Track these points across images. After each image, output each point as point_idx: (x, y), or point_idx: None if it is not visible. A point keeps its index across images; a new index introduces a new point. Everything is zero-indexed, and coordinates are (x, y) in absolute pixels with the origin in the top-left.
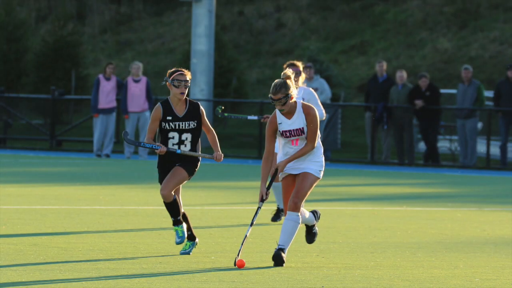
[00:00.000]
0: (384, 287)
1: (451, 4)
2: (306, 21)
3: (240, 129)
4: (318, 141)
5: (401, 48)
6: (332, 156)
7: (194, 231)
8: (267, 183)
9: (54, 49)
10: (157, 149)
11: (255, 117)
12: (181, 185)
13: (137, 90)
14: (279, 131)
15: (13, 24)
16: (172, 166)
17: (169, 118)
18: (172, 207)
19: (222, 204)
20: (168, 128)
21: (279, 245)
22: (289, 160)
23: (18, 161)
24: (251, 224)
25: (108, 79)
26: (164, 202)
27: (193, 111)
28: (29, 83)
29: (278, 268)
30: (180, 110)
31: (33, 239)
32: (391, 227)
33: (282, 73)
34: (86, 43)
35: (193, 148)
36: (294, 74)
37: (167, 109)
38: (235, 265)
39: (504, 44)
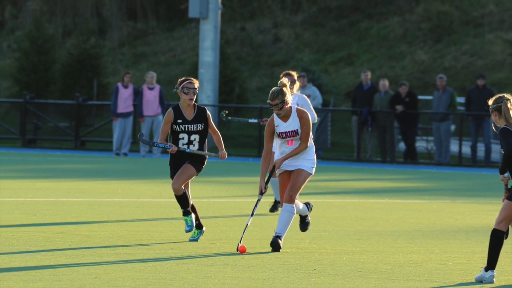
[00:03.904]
0: (369, 270)
1: (427, 21)
2: (300, 36)
3: (242, 131)
4: (311, 141)
5: (383, 59)
6: (323, 154)
7: (201, 221)
8: (266, 178)
9: (78, 60)
10: (169, 149)
11: (255, 120)
12: (190, 180)
13: (151, 97)
14: (276, 132)
15: (42, 38)
16: (182, 163)
17: (179, 121)
18: (182, 199)
19: (226, 196)
20: (178, 130)
21: (276, 233)
22: (285, 158)
23: (47, 159)
24: (252, 215)
25: (126, 87)
26: (175, 195)
27: (200, 115)
28: (56, 90)
29: (275, 253)
30: (189, 114)
31: (60, 228)
32: (375, 217)
33: (279, 82)
34: (106, 55)
35: (201, 147)
36: (289, 83)
37: (178, 113)
38: (237, 250)
39: (474, 56)
